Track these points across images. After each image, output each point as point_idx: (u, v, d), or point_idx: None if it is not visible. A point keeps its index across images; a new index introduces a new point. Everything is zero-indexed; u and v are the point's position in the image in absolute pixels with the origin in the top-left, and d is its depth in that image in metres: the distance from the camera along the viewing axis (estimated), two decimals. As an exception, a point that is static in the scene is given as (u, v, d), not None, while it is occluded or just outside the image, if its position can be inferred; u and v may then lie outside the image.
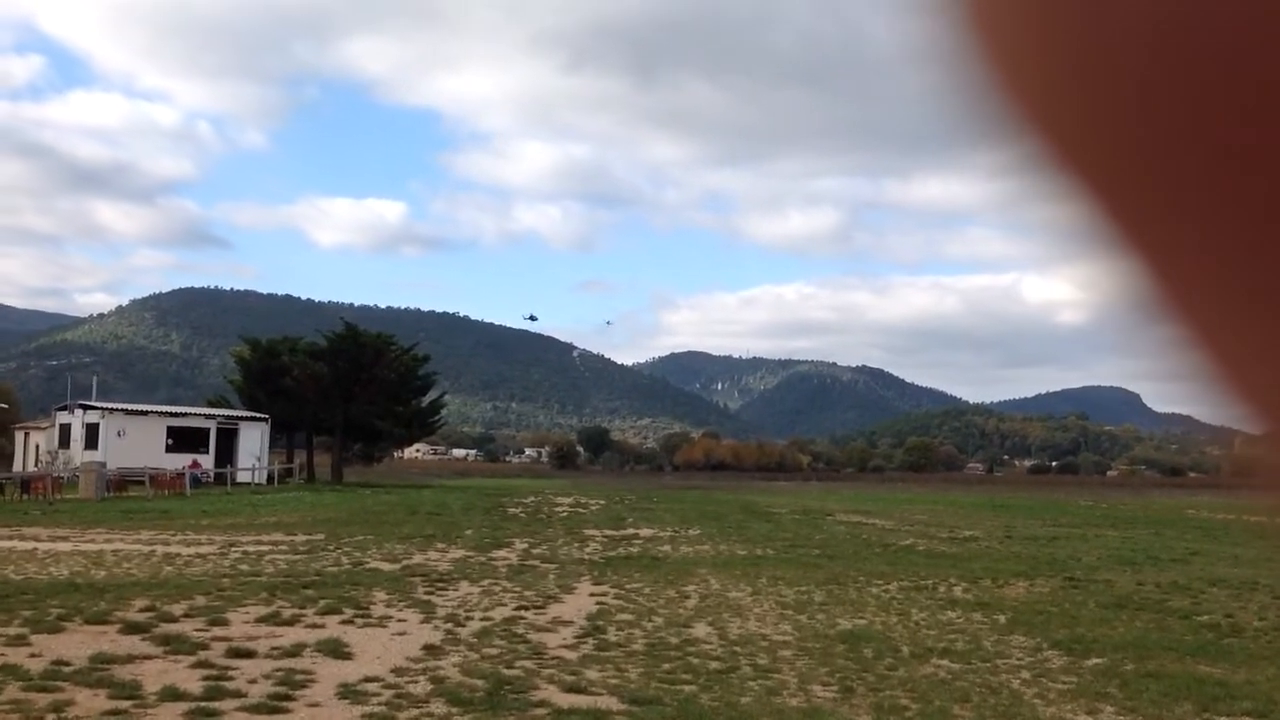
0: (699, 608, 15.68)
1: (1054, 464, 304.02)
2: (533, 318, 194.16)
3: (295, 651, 11.72)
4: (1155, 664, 11.89)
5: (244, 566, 19.57)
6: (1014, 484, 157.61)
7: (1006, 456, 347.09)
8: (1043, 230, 0.48)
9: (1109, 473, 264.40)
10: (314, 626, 13.43)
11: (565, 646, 12.44)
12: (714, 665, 11.50)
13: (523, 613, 14.89)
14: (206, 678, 10.40)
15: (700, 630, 13.72)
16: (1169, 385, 0.48)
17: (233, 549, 22.70)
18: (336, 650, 11.84)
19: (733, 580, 18.96)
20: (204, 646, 11.83)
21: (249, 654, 11.54)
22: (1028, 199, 0.48)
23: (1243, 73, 0.39)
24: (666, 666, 11.38)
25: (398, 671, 10.88)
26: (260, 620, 13.72)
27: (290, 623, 13.62)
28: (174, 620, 13.56)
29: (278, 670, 10.76)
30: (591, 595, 16.76)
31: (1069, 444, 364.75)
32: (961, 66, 0.47)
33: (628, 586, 17.83)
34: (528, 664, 11.40)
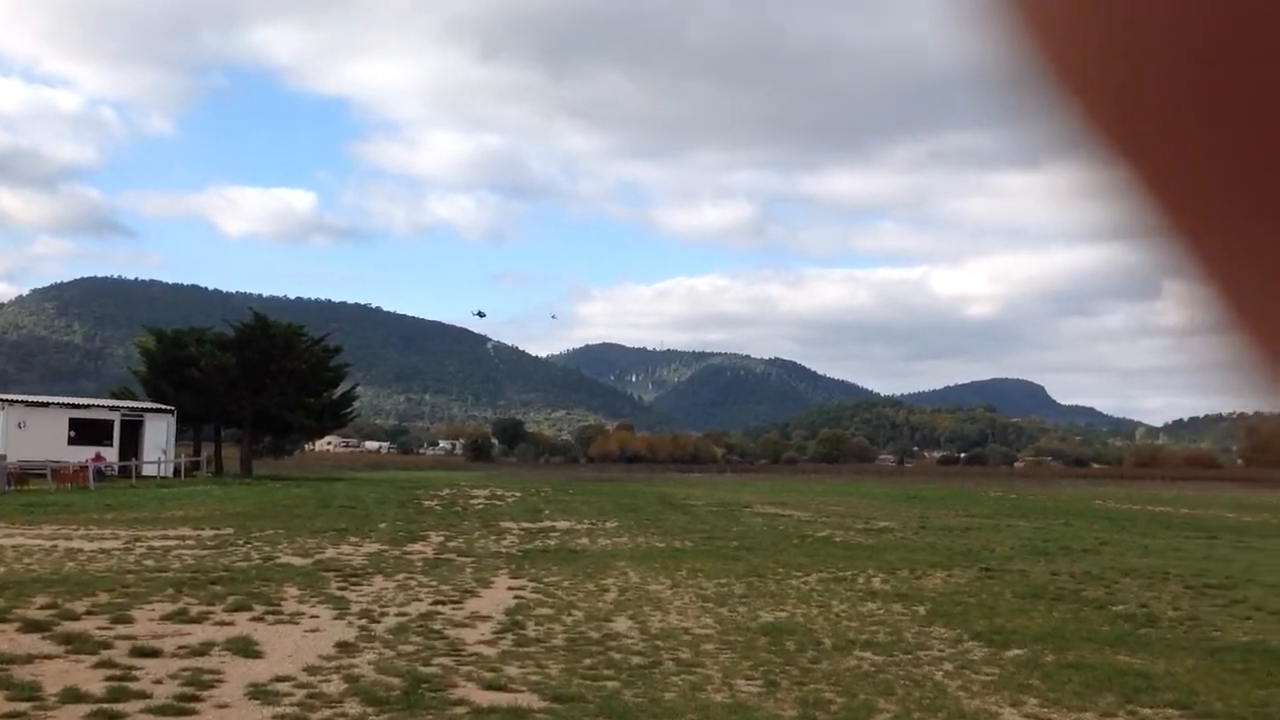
0: (619, 601, 15.48)
1: (962, 455, 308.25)
2: (480, 314, 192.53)
3: (203, 650, 11.33)
4: (1075, 655, 11.89)
5: (149, 562, 19.02)
6: (924, 475, 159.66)
7: (916, 448, 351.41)
8: (1083, 206, 0.48)
9: (1016, 464, 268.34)
10: (222, 624, 13.02)
11: (484, 642, 12.17)
12: (636, 660, 11.30)
13: (439, 608, 14.58)
14: (110, 678, 10.00)
15: (621, 624, 13.52)
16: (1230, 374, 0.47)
17: (138, 544, 22.08)
18: (246, 649, 11.46)
19: (652, 573, 18.79)
20: (107, 645, 11.40)
21: (154, 653, 11.13)
22: (1071, 178, 0.47)
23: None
24: (588, 662, 11.16)
25: (310, 670, 10.55)
26: (166, 618, 13.27)
27: (198, 620, 13.19)
28: (76, 618, 13.06)
29: (185, 670, 10.37)
30: (509, 589, 16.50)
31: (977, 435, 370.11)
32: (1003, 41, 0.47)
33: (546, 580, 17.58)
34: (445, 661, 11.12)
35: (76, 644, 11.43)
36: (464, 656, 11.36)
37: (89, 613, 13.46)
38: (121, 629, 12.44)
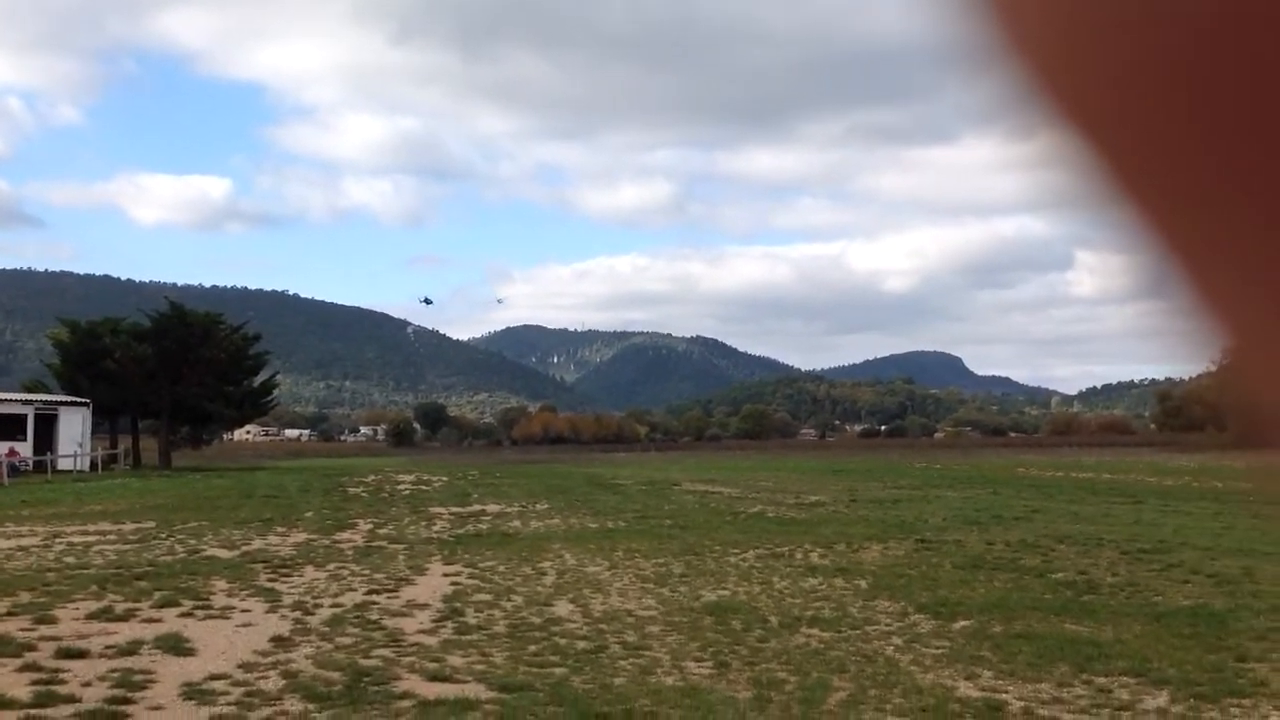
0: (558, 584, 15.23)
1: (883, 427, 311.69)
2: (427, 301, 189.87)
3: (132, 649, 10.91)
4: (1022, 624, 11.84)
5: (70, 559, 18.43)
6: (847, 448, 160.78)
7: (838, 422, 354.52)
8: (1057, 195, 0.48)
9: (935, 435, 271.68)
10: (151, 621, 12.59)
11: (424, 632, 11.87)
12: (581, 645, 11.07)
13: (375, 597, 14.24)
14: (36, 682, 9.57)
15: (562, 608, 13.27)
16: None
17: (57, 540, 21.40)
18: (177, 646, 11.06)
19: (588, 554, 18.55)
20: (31, 648, 10.93)
21: (81, 654, 10.70)
22: (1042, 165, 0.48)
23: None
24: (533, 649, 10.90)
25: (245, 667, 10.19)
26: (91, 616, 12.81)
27: (124, 618, 12.74)
28: (-5, 620, 12.57)
29: (114, 671, 9.97)
30: (445, 576, 16.18)
31: (896, 408, 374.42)
32: (972, 29, 0.47)
33: (481, 565, 17.28)
34: (386, 652, 10.81)
35: (-2, 647, 10.97)
36: (405, 647, 11.05)
37: (10, 614, 12.94)
38: (45, 629, 11.96)
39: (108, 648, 11.02)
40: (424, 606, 13.47)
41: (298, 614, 12.98)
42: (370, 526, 24.22)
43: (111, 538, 21.99)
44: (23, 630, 11.90)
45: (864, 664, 10.11)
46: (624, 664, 10.20)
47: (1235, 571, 15.68)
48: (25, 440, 55.47)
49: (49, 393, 64.51)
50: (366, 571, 16.67)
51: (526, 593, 14.47)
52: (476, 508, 30.07)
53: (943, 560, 17.42)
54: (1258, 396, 0.48)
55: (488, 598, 14.11)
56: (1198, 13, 0.41)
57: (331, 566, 17.29)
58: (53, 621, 12.44)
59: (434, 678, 9.71)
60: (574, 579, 15.73)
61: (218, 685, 9.47)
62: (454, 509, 29.52)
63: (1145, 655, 10.16)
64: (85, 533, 23.03)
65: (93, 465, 56.63)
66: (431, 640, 11.38)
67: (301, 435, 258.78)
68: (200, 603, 13.76)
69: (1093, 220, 0.47)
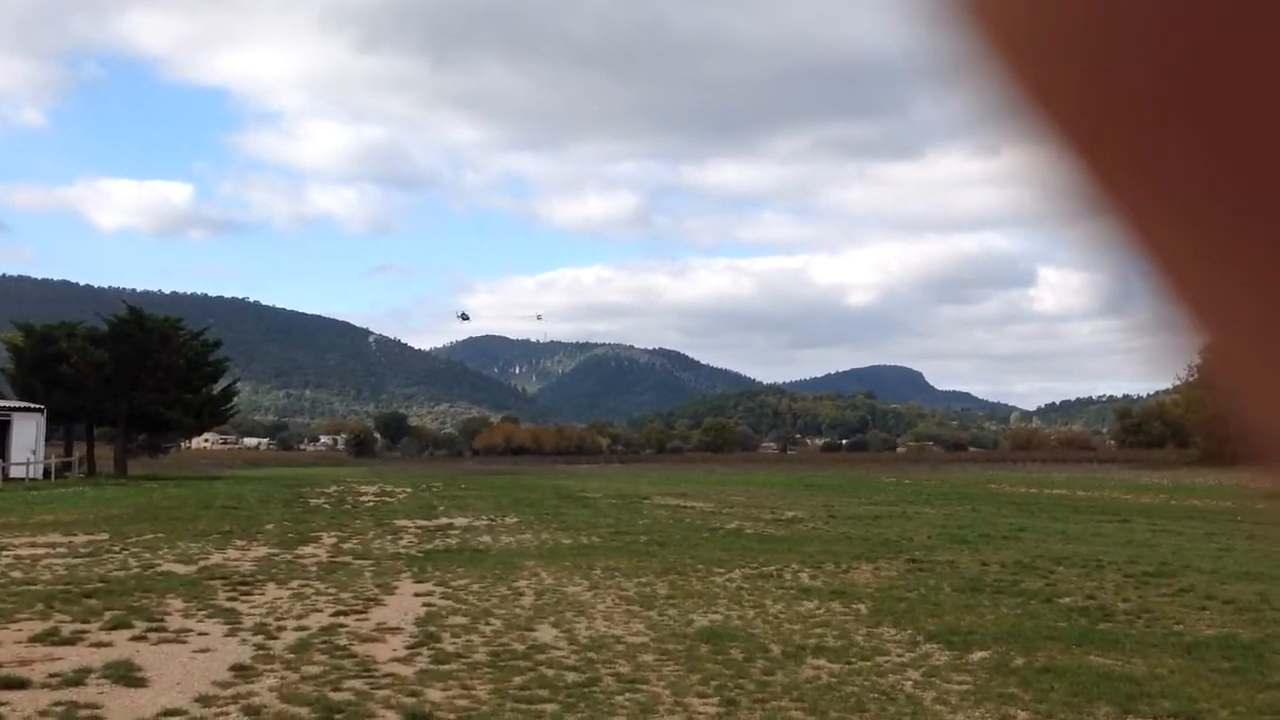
0: (537, 606, 14.29)
1: (844, 441, 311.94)
2: (465, 316, 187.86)
3: (78, 679, 9.91)
4: (1044, 656, 11.00)
5: (16, 573, 17.34)
6: (810, 462, 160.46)
7: (799, 435, 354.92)
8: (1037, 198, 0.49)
9: (897, 449, 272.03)
10: (100, 645, 11.58)
11: (398, 660, 10.91)
12: (571, 676, 10.14)
13: (342, 619, 13.27)
14: (-33, 718, 8.59)
15: (545, 633, 12.35)
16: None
17: (3, 553, 20.27)
18: (128, 676, 10.07)
19: (565, 573, 17.64)
20: (-35, 677, 9.93)
21: (21, 684, 9.69)
22: (1024, 171, 0.48)
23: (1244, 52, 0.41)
24: (518, 680, 9.97)
25: (203, 700, 9.22)
26: (36, 639, 11.80)
27: (71, 641, 11.74)
28: (-70, 643, 11.54)
29: (57, 705, 8.99)
30: (416, 595, 15.22)
31: (857, 422, 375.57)
32: (953, 35, 0.47)
33: (454, 584, 16.34)
34: (358, 684, 9.85)
35: (-71, 675, 9.96)
36: (378, 678, 10.11)
37: (-54, 636, 11.93)
38: (-17, 654, 10.97)
39: (51, 676, 10.03)
40: (396, 630, 12.52)
41: (259, 638, 12.01)
42: (334, 540, 23.20)
43: (62, 550, 20.90)
44: (-42, 655, 10.89)
45: (884, 702, 9.23)
46: (620, 699, 9.29)
47: (1251, 597, 14.93)
48: (-24, 447, 54.03)
49: (2, 398, 62.96)
50: (332, 590, 15.70)
51: (505, 615, 13.54)
52: (444, 521, 29.10)
53: (940, 582, 16.59)
54: (1239, 409, 0.47)
55: (464, 621, 13.17)
56: (1186, 19, 0.41)
57: (295, 584, 16.30)
58: (-8, 645, 11.43)
59: (412, 715, 8.76)
60: (554, 600, 14.80)
61: (172, 723, 8.52)
62: (420, 522, 28.53)
63: (1189, 694, 9.32)
64: (34, 544, 21.92)
65: (46, 473, 55.28)
66: (407, 670, 10.44)
67: (260, 444, 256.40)
68: (154, 624, 12.76)
69: (1059, 236, 0.47)
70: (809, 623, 13.09)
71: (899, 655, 11.19)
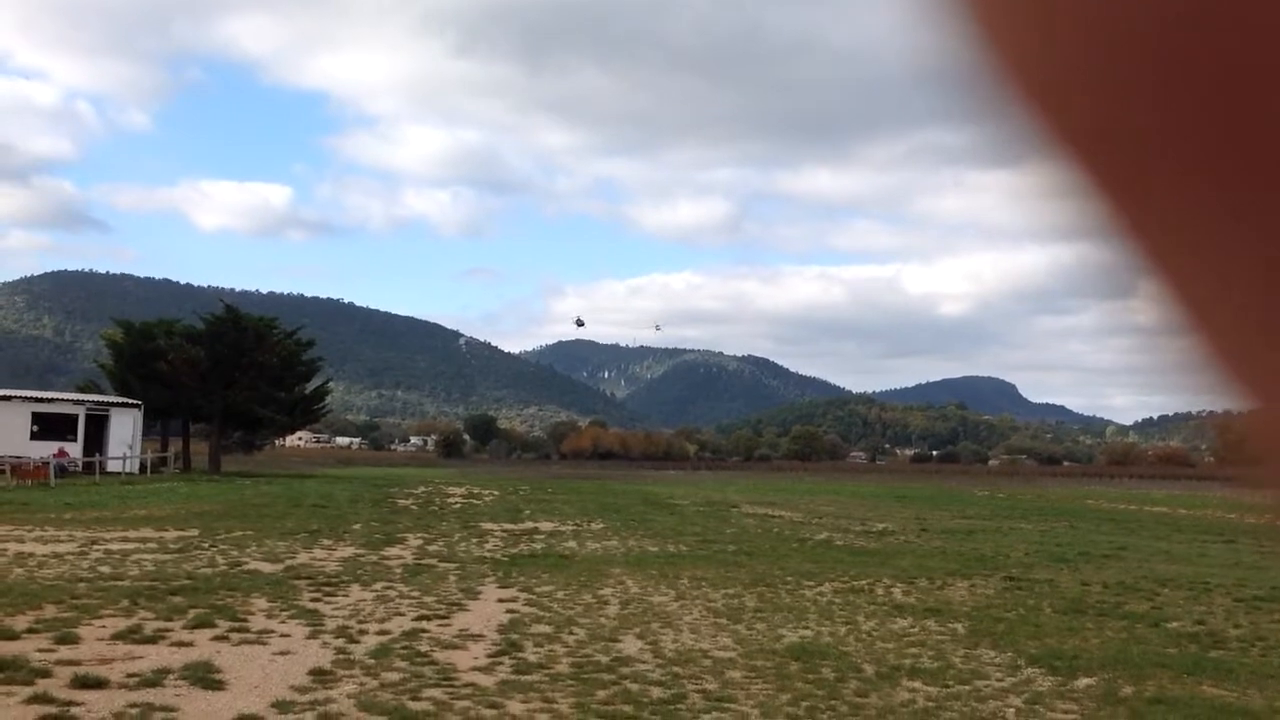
0: (622, 616, 13.99)
1: (934, 453, 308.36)
2: (580, 322, 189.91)
3: (156, 680, 9.78)
4: (1155, 685, 10.46)
5: (105, 568, 17.40)
6: (900, 473, 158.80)
7: (888, 445, 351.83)
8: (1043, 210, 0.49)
9: (990, 461, 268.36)
10: (180, 645, 11.47)
11: (478, 669, 10.66)
12: (656, 692, 9.81)
13: (424, 624, 13.07)
14: (43, 717, 8.46)
15: (630, 645, 12.03)
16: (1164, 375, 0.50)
17: (95, 547, 20.42)
18: (206, 678, 9.92)
19: (651, 582, 17.31)
20: (46, 674, 9.84)
21: (99, 684, 9.58)
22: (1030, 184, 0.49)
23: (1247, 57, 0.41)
24: (601, 694, 9.66)
25: (280, 706, 9.03)
26: (117, 636, 11.72)
27: (153, 640, 11.65)
28: (14, 637, 11.49)
29: (132, 707, 8.85)
30: (500, 601, 15.00)
31: (948, 433, 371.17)
32: (959, 38, 0.48)
33: (538, 590, 16.10)
34: (437, 693, 9.61)
35: (10, 671, 9.88)
36: (458, 687, 9.86)
37: (30, 630, 11.90)
38: (65, 651, 10.90)
39: (129, 676, 9.91)
40: (478, 637, 12.29)
41: (341, 641, 11.84)
42: (420, 542, 23.10)
43: (152, 545, 21.01)
44: (40, 651, 10.83)
45: (984, 730, 8.79)
46: (707, 718, 8.94)
47: (1371, 627, 14.22)
48: (75, 441, 54.88)
49: (101, 393, 64.03)
50: (416, 593, 15.53)
51: (589, 625, 13.25)
52: (529, 525, 28.91)
53: (1040, 602, 16.01)
54: (1254, 434, 0.47)
55: (547, 629, 12.90)
56: (1202, 28, 0.41)
57: (379, 586, 16.17)
58: (75, 641, 11.38)
59: (492, 728, 8.51)
60: (639, 610, 14.49)
61: (247, 729, 8.33)
62: (506, 526, 28.37)
63: (1314, 732, 8.80)
64: (125, 539, 22.08)
65: (142, 468, 55.99)
66: (487, 680, 10.18)
67: (352, 443, 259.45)
68: (236, 624, 12.65)
69: (1108, 248, 0.47)
70: (903, 641, 12.64)
71: (999, 679, 10.71)
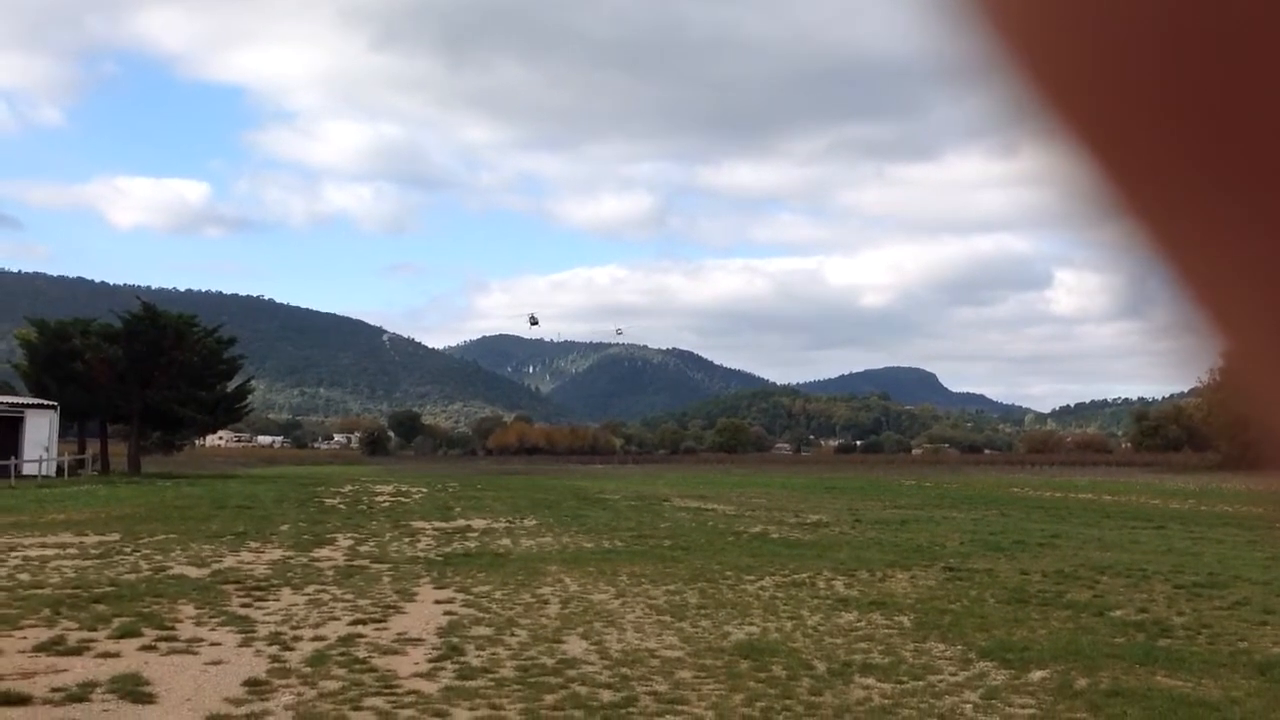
0: (563, 616, 13.67)
1: (858, 443, 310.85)
2: (534, 320, 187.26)
3: (82, 694, 9.32)
4: (1108, 677, 10.33)
5: (24, 575, 16.79)
6: (826, 463, 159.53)
7: (813, 436, 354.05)
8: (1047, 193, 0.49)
9: (913, 451, 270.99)
10: (107, 656, 11.00)
11: (420, 675, 10.30)
12: (606, 695, 9.52)
13: (361, 628, 12.67)
14: (-39, 739, 8.01)
15: (575, 646, 11.73)
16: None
17: (12, 554, 19.73)
18: (135, 690, 9.48)
19: (590, 579, 17.02)
20: (-37, 691, 9.34)
21: (22, 700, 9.12)
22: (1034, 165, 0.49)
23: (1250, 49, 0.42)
24: (550, 699, 9.35)
25: (214, 719, 8.62)
26: (40, 648, 11.22)
27: (77, 651, 11.16)
28: (-71, 652, 10.96)
29: (58, 725, 8.39)
30: (437, 603, 14.62)
31: (871, 423, 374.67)
32: (959, 22, 0.48)
33: (475, 590, 15.74)
34: (379, 702, 9.24)
35: (-75, 689, 9.37)
36: (400, 695, 9.49)
37: (-54, 644, 11.36)
38: (-16, 665, 10.38)
39: (54, 690, 9.45)
40: (417, 641, 11.92)
41: (275, 649, 11.41)
42: (350, 543, 22.62)
43: (72, 551, 20.37)
44: (-43, 666, 10.31)
45: (945, 727, 8.60)
46: (661, 723, 8.67)
47: (1312, 611, 14.24)
48: (-11, 444, 53.51)
49: (15, 395, 62.55)
50: (349, 596, 15.11)
51: (531, 625, 12.92)
52: (461, 523, 28.51)
53: (982, 593, 15.91)
54: (1258, 413, 0.48)
55: (488, 631, 12.55)
56: (1203, 20, 0.41)
57: (311, 589, 15.72)
58: (-6, 655, 10.86)
59: (439, 739, 8.17)
60: (580, 609, 14.18)
61: (181, 745, 7.92)
62: (437, 524, 27.94)
63: (1275, 721, 8.69)
64: (44, 545, 21.40)
65: (59, 471, 54.81)
66: (430, 687, 9.82)
67: (274, 442, 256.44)
68: (164, 632, 12.18)
69: (1076, 238, 0.48)
70: (851, 636, 12.44)
71: (952, 674, 10.54)
